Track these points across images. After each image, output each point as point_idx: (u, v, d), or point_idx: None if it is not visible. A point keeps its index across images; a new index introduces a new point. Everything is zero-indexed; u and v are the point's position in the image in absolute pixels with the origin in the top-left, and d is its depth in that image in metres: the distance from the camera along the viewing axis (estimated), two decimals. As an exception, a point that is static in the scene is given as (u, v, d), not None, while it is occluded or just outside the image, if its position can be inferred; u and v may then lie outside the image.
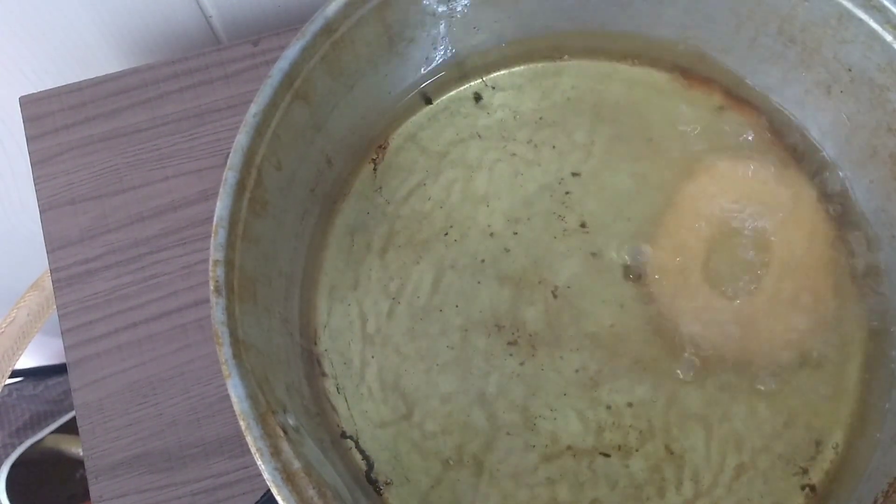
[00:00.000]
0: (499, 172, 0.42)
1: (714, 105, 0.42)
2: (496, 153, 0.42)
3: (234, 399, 0.29)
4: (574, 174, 0.42)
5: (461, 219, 0.41)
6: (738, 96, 0.42)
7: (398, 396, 0.38)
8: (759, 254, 0.40)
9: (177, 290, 0.43)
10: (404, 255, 0.41)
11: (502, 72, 0.44)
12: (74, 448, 0.63)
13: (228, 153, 0.33)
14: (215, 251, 0.31)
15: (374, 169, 0.42)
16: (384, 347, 0.39)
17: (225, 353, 0.29)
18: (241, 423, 0.29)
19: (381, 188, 0.42)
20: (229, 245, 0.31)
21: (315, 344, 0.39)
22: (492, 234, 0.41)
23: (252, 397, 0.29)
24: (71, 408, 0.37)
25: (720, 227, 0.40)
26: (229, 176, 0.32)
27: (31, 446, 0.60)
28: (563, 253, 0.40)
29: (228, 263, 0.31)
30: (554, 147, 0.42)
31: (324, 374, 0.39)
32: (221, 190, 0.31)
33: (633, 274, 0.40)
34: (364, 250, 0.41)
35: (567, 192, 0.41)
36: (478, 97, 0.43)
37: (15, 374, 0.61)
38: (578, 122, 0.43)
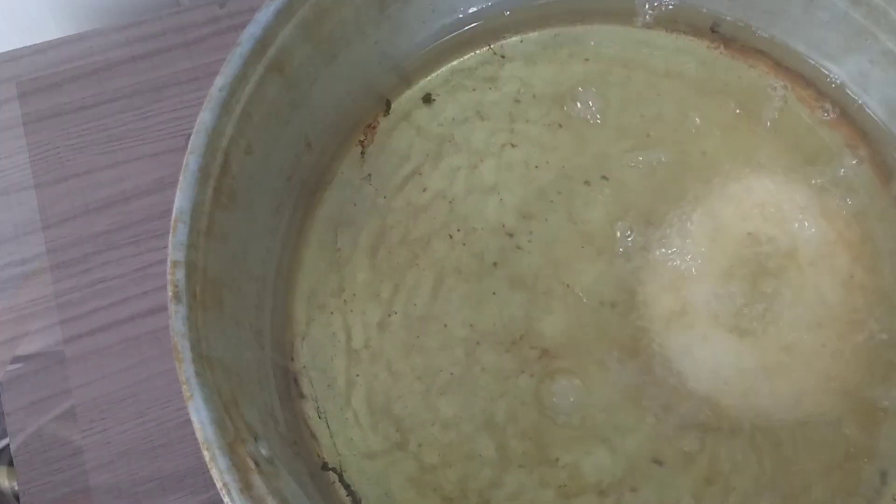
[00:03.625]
0: (509, 158, 0.42)
1: (761, 79, 0.42)
2: (506, 135, 0.42)
3: (196, 425, 0.29)
4: (597, 161, 0.42)
5: (466, 213, 0.41)
6: (790, 68, 0.42)
7: (390, 422, 0.38)
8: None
9: (129, 297, 0.43)
10: (398, 256, 0.40)
11: (513, 38, 0.44)
12: (76, 435, 0.64)
13: (190, 134, 0.33)
14: (175, 250, 0.31)
15: (362, 153, 0.42)
16: (374, 364, 0.39)
17: (186, 370, 0.29)
18: (206, 453, 0.29)
19: (370, 176, 0.42)
20: (191, 243, 0.31)
21: (292, 360, 0.39)
22: (503, 232, 0.41)
23: (218, 423, 0.29)
24: (70, 396, 0.39)
25: (756, 237, 0.40)
26: (191, 161, 0.32)
27: (32, 433, 0.61)
28: (585, 254, 0.40)
29: (190, 265, 0.31)
30: (573, 128, 0.42)
31: (302, 396, 0.39)
32: (182, 178, 0.32)
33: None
34: (350, 249, 0.41)
35: (587, 182, 0.41)
36: (484, 68, 0.43)
37: (15, 360, 0.64)
38: (603, 100, 0.43)
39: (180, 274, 0.31)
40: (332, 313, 0.40)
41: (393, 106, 0.43)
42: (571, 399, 0.38)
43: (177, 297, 0.30)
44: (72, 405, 0.41)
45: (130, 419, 0.41)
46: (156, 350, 0.42)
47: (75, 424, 0.41)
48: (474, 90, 0.43)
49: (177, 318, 0.30)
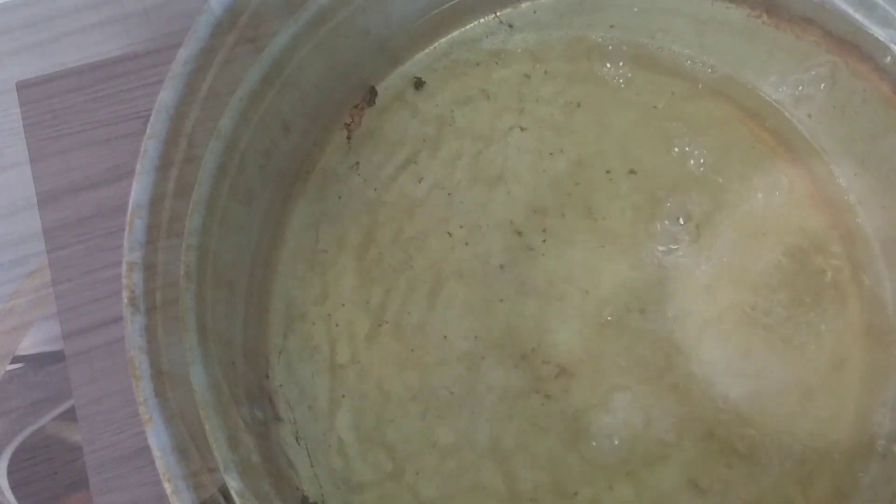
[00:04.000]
0: (518, 144, 0.41)
1: (811, 52, 0.42)
2: (514, 117, 0.42)
3: (156, 452, 0.29)
4: (621, 146, 0.41)
5: (469, 207, 0.41)
6: (843, 39, 0.42)
7: (381, 449, 0.38)
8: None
9: (78, 304, 0.43)
10: (391, 257, 0.40)
11: (523, 5, 0.43)
12: (76, 435, 0.75)
13: (148, 116, 0.32)
14: (131, 250, 0.31)
15: (348, 138, 0.41)
16: (362, 382, 0.38)
17: (144, 389, 0.29)
18: (167, 485, 0.29)
19: (357, 164, 0.41)
20: (150, 242, 0.31)
21: (266, 377, 0.38)
22: (511, 229, 0.40)
23: (181, 450, 0.29)
24: (72, 395, 0.45)
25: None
26: (150, 147, 0.32)
27: (33, 433, 0.72)
28: (607, 255, 0.40)
29: (149, 267, 0.31)
30: (592, 109, 0.42)
31: (278, 419, 0.38)
32: (139, 166, 0.32)
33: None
34: (335, 249, 0.40)
35: (609, 171, 0.41)
36: (490, 40, 0.43)
37: (15, 360, 0.74)
38: (626, 76, 0.42)
39: (137, 277, 0.30)
40: (313, 323, 0.39)
41: (384, 85, 0.42)
42: (591, 423, 0.38)
43: (133, 303, 0.30)
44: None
45: (79, 445, 0.41)
46: (109, 364, 0.42)
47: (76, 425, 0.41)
48: (478, 65, 0.42)
49: (133, 328, 0.30)
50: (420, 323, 0.39)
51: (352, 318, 0.39)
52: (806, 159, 0.41)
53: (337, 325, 0.39)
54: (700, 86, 0.42)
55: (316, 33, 0.39)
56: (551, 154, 0.41)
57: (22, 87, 0.45)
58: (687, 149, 0.41)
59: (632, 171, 0.41)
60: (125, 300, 0.30)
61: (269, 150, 0.39)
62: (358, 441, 0.38)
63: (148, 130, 0.32)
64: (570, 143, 0.41)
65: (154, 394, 0.29)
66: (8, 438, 0.72)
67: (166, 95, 0.33)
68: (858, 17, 0.41)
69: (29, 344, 0.75)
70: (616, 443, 0.38)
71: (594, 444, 0.38)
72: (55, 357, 0.77)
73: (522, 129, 0.42)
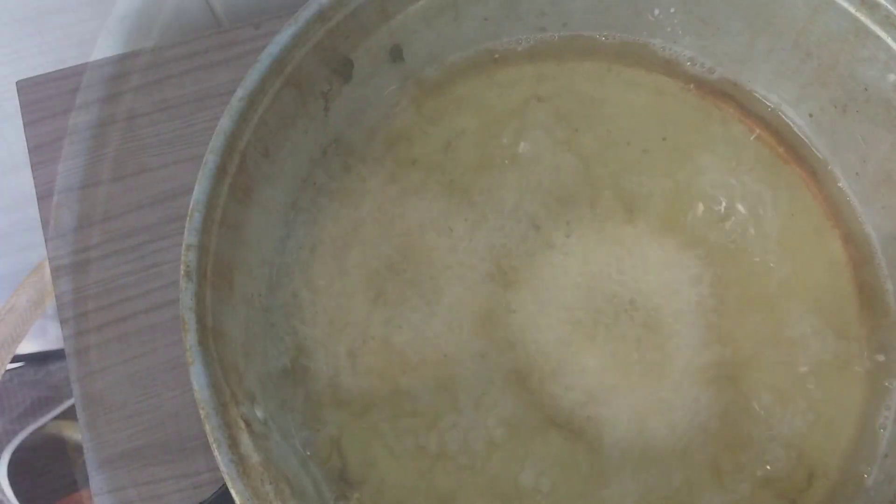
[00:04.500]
0: (536, 117, 0.41)
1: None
2: (531, 85, 0.41)
3: (195, 386, 0.34)
4: (663, 119, 0.40)
5: (474, 196, 0.41)
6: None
7: (367, 496, 0.37)
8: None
9: (177, 279, 0.48)
10: (378, 257, 0.40)
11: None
12: (76, 434, 0.88)
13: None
14: (189, 235, 0.36)
15: (326, 109, 0.40)
16: (340, 412, 0.38)
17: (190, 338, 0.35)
18: (201, 412, 0.34)
19: (336, 142, 0.41)
20: (205, 230, 0.36)
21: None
22: (527, 222, 0.40)
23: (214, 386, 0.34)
24: (72, 394, 0.52)
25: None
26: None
27: (33, 432, 0.87)
28: (649, 253, 0.40)
29: (203, 249, 0.36)
30: (625, 74, 0.41)
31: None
32: (200, 174, 0.36)
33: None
34: (308, 247, 0.40)
35: (646, 151, 0.40)
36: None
37: (16, 359, 0.87)
38: (675, 23, 0.41)
39: (192, 256, 0.36)
40: (281, 339, 0.39)
41: (369, 42, 0.40)
42: (625, 465, 0.37)
43: (188, 276, 0.35)
44: (128, 374, 0.48)
45: (178, 386, 0.47)
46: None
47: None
48: (486, 20, 0.41)
49: (186, 294, 0.35)
50: (414, 339, 0.39)
51: (330, 333, 0.39)
52: (807, 159, 0.43)
53: (312, 339, 0.39)
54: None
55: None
56: (576, 129, 0.41)
57: (22, 86, 0.52)
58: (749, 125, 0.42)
59: (675, 150, 0.40)
60: (182, 272, 0.35)
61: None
62: (335, 486, 0.37)
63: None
64: (599, 116, 0.41)
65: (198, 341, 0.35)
66: (8, 438, 0.84)
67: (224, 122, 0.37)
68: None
69: (29, 343, 0.87)
70: (653, 485, 0.37)
71: (628, 489, 0.37)
72: (55, 356, 0.91)
73: (540, 100, 0.41)
